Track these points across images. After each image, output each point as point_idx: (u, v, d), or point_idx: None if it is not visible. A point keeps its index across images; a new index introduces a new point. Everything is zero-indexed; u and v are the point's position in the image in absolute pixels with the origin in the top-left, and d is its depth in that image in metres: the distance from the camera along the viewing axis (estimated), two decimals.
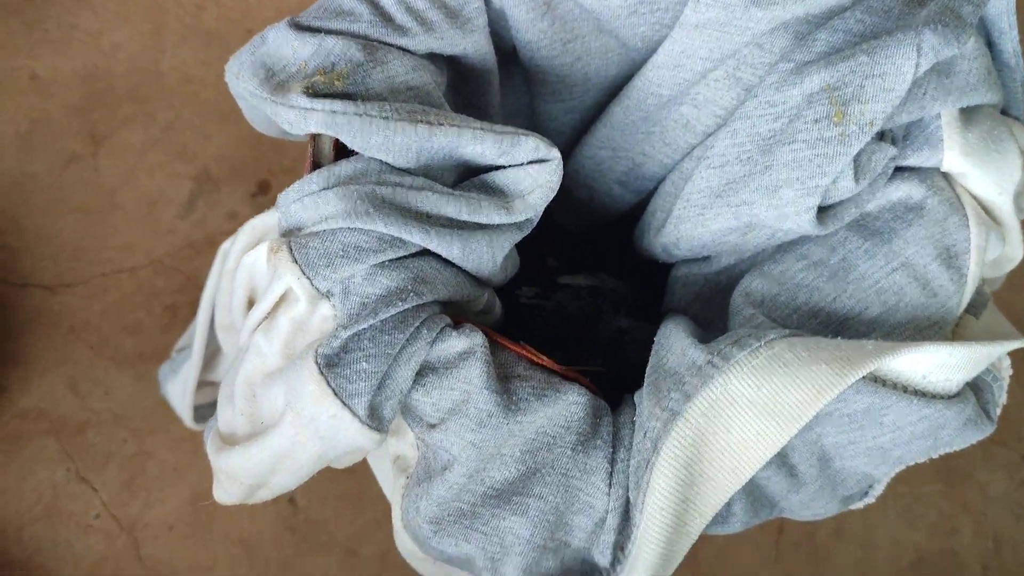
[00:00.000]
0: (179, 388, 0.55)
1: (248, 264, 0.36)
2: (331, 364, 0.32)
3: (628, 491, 0.34)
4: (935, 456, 0.37)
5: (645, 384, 0.34)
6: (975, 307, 0.39)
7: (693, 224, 0.39)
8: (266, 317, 0.36)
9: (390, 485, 0.40)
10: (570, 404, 0.33)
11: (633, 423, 0.34)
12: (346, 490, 0.65)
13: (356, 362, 0.32)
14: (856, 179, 0.34)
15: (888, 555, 0.67)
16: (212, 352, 0.46)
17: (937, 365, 0.33)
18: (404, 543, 0.37)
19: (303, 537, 0.64)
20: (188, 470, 0.64)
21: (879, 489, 0.39)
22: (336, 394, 0.32)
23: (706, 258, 0.42)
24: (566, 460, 0.33)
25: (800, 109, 0.34)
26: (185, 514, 0.63)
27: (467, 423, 0.33)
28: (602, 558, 0.34)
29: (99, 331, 0.65)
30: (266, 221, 0.35)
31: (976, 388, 0.36)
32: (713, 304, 0.41)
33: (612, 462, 0.33)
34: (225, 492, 0.38)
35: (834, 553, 0.66)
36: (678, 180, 0.42)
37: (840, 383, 0.30)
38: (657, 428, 0.32)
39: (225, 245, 0.39)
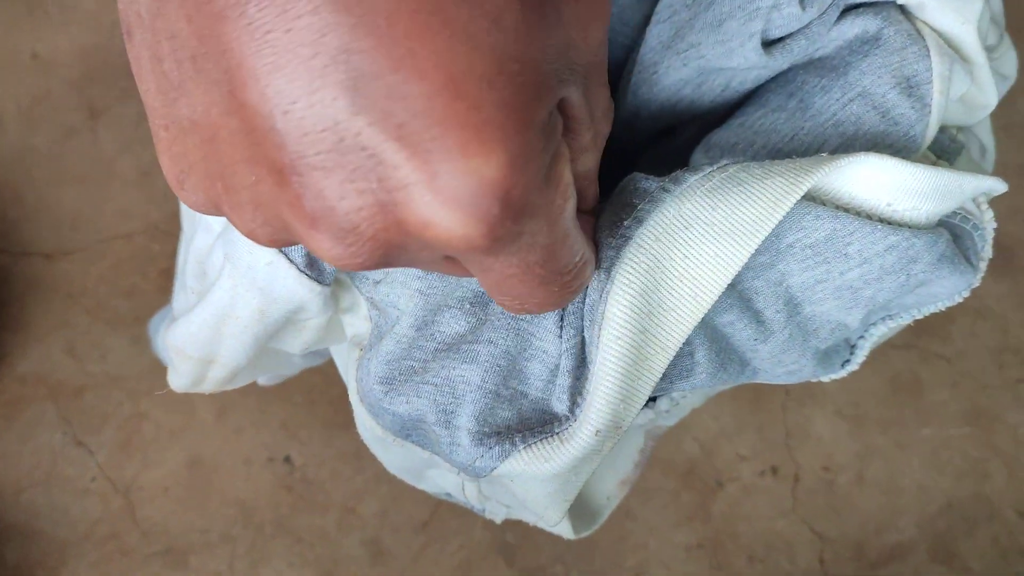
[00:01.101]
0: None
1: None
2: None
3: (583, 332, 0.32)
4: (916, 313, 0.35)
5: (599, 223, 0.33)
6: (948, 153, 0.37)
7: (648, 86, 0.38)
8: None
9: (352, 375, 0.39)
10: None
11: None
12: (343, 449, 0.64)
13: None
14: (802, 6, 0.32)
15: (914, 502, 0.64)
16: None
17: (900, 189, 0.31)
18: (363, 420, 0.36)
19: (300, 496, 0.63)
20: (183, 432, 0.64)
21: (860, 354, 0.37)
22: None
23: (669, 133, 0.41)
24: None
25: None
26: (181, 476, 0.63)
27: (412, 271, 0.32)
28: (559, 404, 0.32)
29: (96, 296, 0.66)
30: None
31: (954, 235, 0.34)
32: None
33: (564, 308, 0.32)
34: (177, 373, 0.37)
35: (855, 500, 0.63)
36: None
37: (795, 190, 0.29)
38: (611, 256, 0.31)
39: None
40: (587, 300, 0.31)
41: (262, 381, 0.59)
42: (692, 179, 0.30)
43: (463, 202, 0.16)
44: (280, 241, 0.20)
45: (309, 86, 0.15)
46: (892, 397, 0.65)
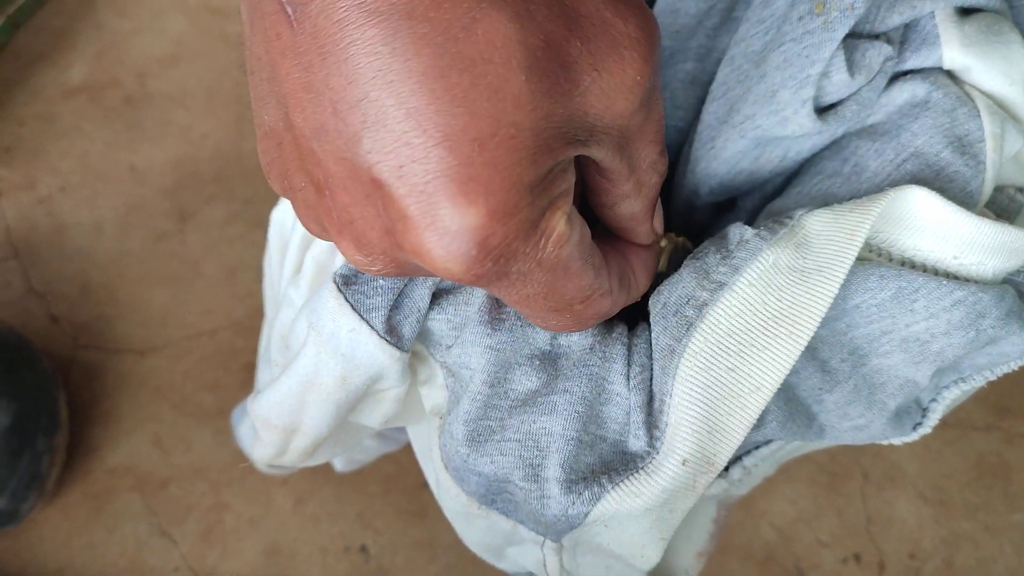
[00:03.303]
0: (251, 427, 0.57)
1: (278, 220, 0.38)
2: (349, 282, 0.34)
3: (651, 371, 0.33)
4: (989, 374, 0.35)
5: (682, 269, 0.34)
6: (1007, 213, 0.37)
7: (707, 161, 0.39)
8: (297, 271, 0.38)
9: (432, 465, 0.40)
10: None
11: (648, 326, 0.34)
12: (417, 538, 0.64)
13: (373, 279, 0.34)
14: (851, 73, 0.34)
15: None
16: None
17: (966, 242, 0.32)
18: (447, 490, 0.37)
19: None
20: (262, 521, 0.65)
21: (933, 417, 0.37)
22: (354, 308, 0.33)
23: (731, 207, 0.43)
24: (585, 354, 0.33)
25: (786, 14, 0.35)
26: (259, 565, 0.63)
27: (482, 329, 0.33)
28: (636, 441, 0.33)
29: (182, 390, 0.69)
30: None
31: (1021, 293, 0.34)
32: None
33: (629, 350, 0.33)
34: (261, 444, 0.38)
35: None
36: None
37: (867, 220, 0.30)
38: (704, 297, 0.32)
39: (275, 213, 0.41)
40: (661, 339, 0.32)
41: (339, 467, 0.61)
42: (782, 231, 0.32)
43: (445, 241, 0.19)
44: (325, 236, 0.23)
45: (336, 123, 0.18)
46: (978, 481, 0.63)
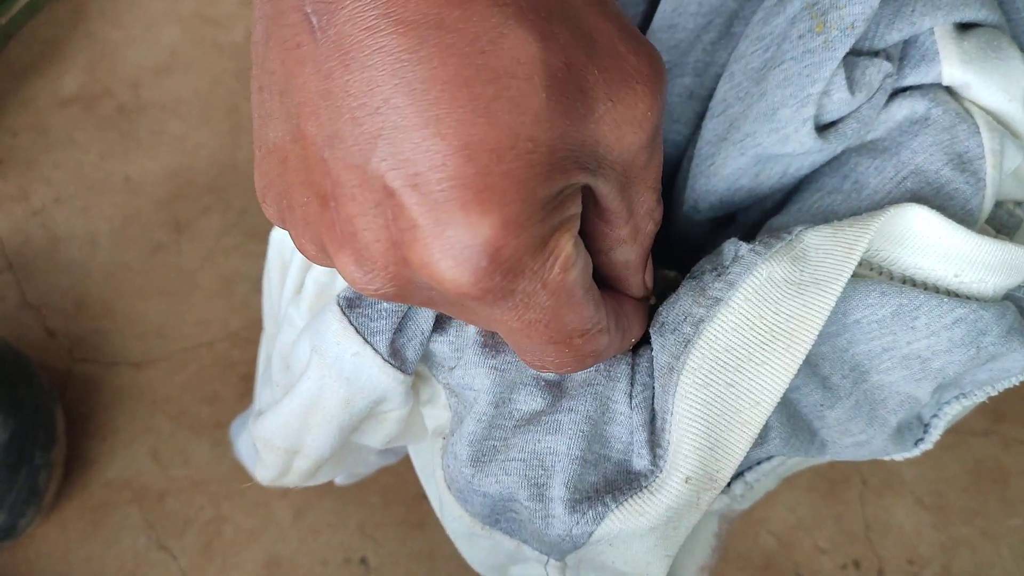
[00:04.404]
0: (249, 441, 0.57)
1: (277, 240, 0.38)
2: (352, 305, 0.34)
3: (653, 387, 0.33)
4: (991, 390, 0.35)
5: (680, 288, 0.34)
6: (1007, 228, 0.38)
7: (706, 177, 0.39)
8: (298, 292, 0.38)
9: (434, 484, 0.40)
10: None
11: (650, 346, 0.34)
12: (418, 549, 0.64)
13: (377, 302, 0.34)
14: (851, 91, 0.34)
15: None
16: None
17: (967, 260, 0.32)
18: (450, 511, 0.37)
19: None
20: (262, 533, 0.65)
21: (935, 433, 0.37)
22: (358, 331, 0.33)
23: (731, 222, 0.43)
24: (589, 373, 0.33)
25: (786, 32, 0.35)
26: None
27: (485, 350, 0.33)
28: (640, 460, 0.33)
29: (179, 403, 0.68)
30: None
31: (1021, 309, 0.34)
32: None
33: (633, 369, 0.33)
34: (263, 465, 0.38)
35: None
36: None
37: (865, 235, 0.31)
38: (700, 313, 0.32)
39: (275, 233, 0.41)
40: (660, 357, 0.32)
41: (339, 480, 0.60)
42: (779, 245, 0.32)
43: (456, 251, 0.19)
44: (322, 259, 0.23)
45: (352, 129, 0.18)
46: (975, 486, 0.63)
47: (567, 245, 0.21)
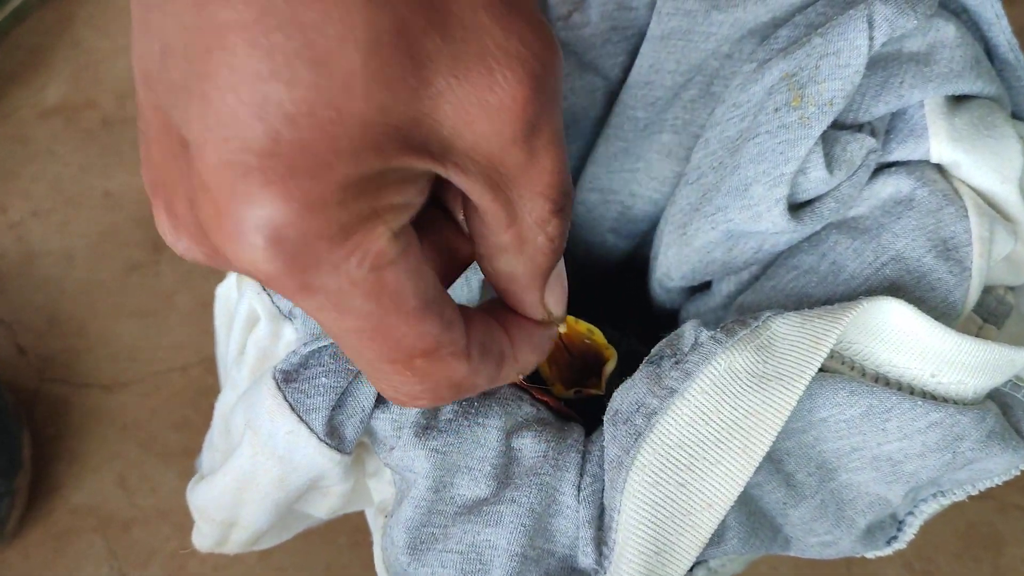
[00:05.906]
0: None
1: (223, 295, 0.36)
2: (289, 379, 0.32)
3: (602, 480, 0.31)
4: (971, 489, 0.33)
5: (639, 370, 0.32)
6: (996, 316, 0.35)
7: (678, 247, 0.37)
8: (241, 353, 0.36)
9: (378, 543, 0.38)
10: (535, 403, 0.31)
11: (603, 434, 0.32)
12: None
13: (315, 377, 0.32)
14: (830, 170, 0.32)
15: None
16: None
17: (945, 360, 0.30)
18: None
19: None
20: (228, 570, 0.63)
21: (909, 531, 0.35)
22: (293, 408, 0.31)
23: (706, 291, 0.40)
24: (538, 461, 0.31)
25: (762, 103, 0.33)
26: None
27: (426, 432, 0.32)
28: (585, 558, 0.31)
29: (149, 428, 0.67)
30: None
31: (1004, 405, 0.32)
32: None
33: (584, 458, 0.31)
34: (200, 534, 0.37)
35: None
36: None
37: (835, 328, 0.28)
38: (653, 404, 0.30)
39: (220, 289, 0.40)
40: (610, 449, 0.30)
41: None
42: (742, 332, 0.29)
43: (235, 224, 0.16)
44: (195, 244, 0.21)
45: (159, 68, 0.17)
46: (967, 552, 0.61)
47: (380, 239, 0.18)
